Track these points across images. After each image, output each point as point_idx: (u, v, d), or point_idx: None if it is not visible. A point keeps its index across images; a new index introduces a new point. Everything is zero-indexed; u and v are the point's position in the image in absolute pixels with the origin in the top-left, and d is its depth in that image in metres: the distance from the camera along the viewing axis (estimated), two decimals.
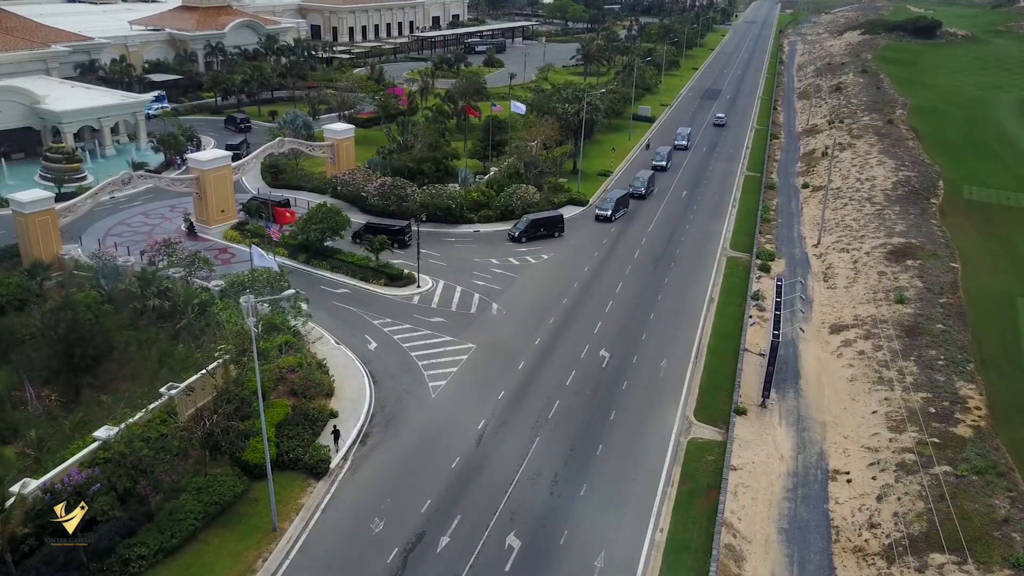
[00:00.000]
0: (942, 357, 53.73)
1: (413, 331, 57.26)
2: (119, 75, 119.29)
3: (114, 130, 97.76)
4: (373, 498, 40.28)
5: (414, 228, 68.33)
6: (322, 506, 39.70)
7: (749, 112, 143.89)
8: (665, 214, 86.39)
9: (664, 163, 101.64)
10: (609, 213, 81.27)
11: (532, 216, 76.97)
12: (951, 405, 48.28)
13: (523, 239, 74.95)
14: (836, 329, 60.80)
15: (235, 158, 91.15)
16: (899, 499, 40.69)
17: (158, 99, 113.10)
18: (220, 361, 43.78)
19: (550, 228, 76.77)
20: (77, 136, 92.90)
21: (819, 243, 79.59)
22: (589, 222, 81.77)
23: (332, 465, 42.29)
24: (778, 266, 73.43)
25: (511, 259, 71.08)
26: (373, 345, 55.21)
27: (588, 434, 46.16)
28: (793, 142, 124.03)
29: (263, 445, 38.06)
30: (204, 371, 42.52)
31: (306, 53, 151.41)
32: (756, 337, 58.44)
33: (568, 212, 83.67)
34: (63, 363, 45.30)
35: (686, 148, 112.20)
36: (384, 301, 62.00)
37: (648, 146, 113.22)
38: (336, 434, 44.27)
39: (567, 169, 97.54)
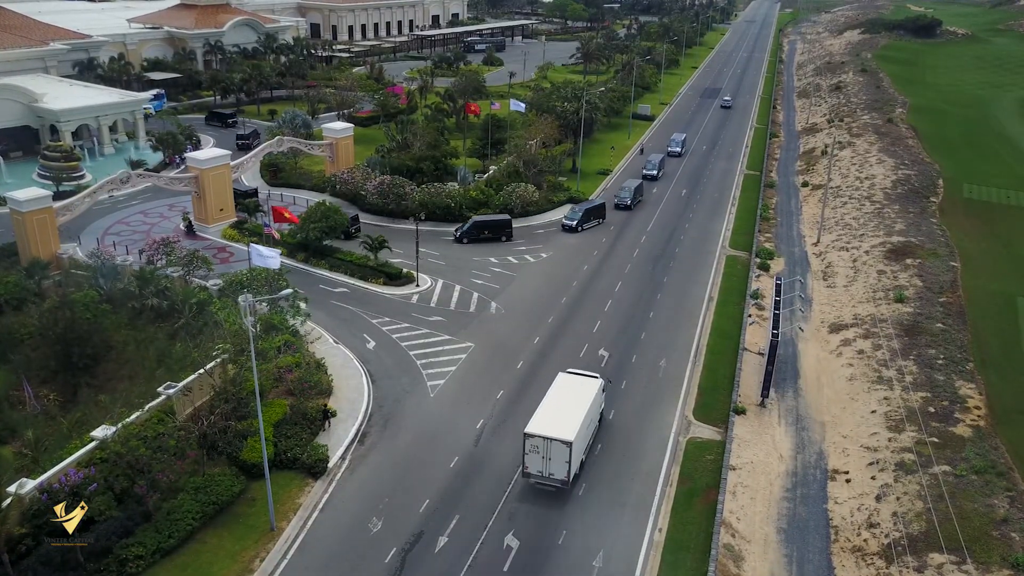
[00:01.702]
0: (942, 356, 53.64)
1: (412, 330, 57.19)
2: (118, 73, 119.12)
3: (113, 129, 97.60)
4: (371, 498, 40.22)
5: (410, 225, 68.15)
6: (320, 506, 39.64)
7: (749, 110, 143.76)
8: (665, 213, 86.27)
9: (655, 172, 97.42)
10: (574, 223, 77.82)
11: (477, 218, 75.52)
12: (950, 405, 48.20)
13: (464, 240, 73.65)
14: (835, 328, 60.70)
15: (247, 148, 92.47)
16: (898, 499, 40.62)
17: (157, 97, 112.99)
18: (218, 361, 43.72)
19: (496, 232, 74.60)
20: (75, 135, 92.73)
21: (819, 242, 79.50)
22: None
23: (330, 465, 42.27)
24: (777, 265, 73.35)
25: (510, 258, 70.99)
26: (372, 344, 55.13)
27: None
28: (793, 141, 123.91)
29: (261, 445, 37.96)
30: (202, 371, 42.45)
31: (305, 52, 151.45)
32: (755, 336, 58.35)
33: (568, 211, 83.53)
34: (61, 362, 45.22)
35: (680, 155, 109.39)
36: (383, 300, 61.93)
37: (642, 151, 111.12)
38: (325, 415, 45.10)
39: (566, 168, 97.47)
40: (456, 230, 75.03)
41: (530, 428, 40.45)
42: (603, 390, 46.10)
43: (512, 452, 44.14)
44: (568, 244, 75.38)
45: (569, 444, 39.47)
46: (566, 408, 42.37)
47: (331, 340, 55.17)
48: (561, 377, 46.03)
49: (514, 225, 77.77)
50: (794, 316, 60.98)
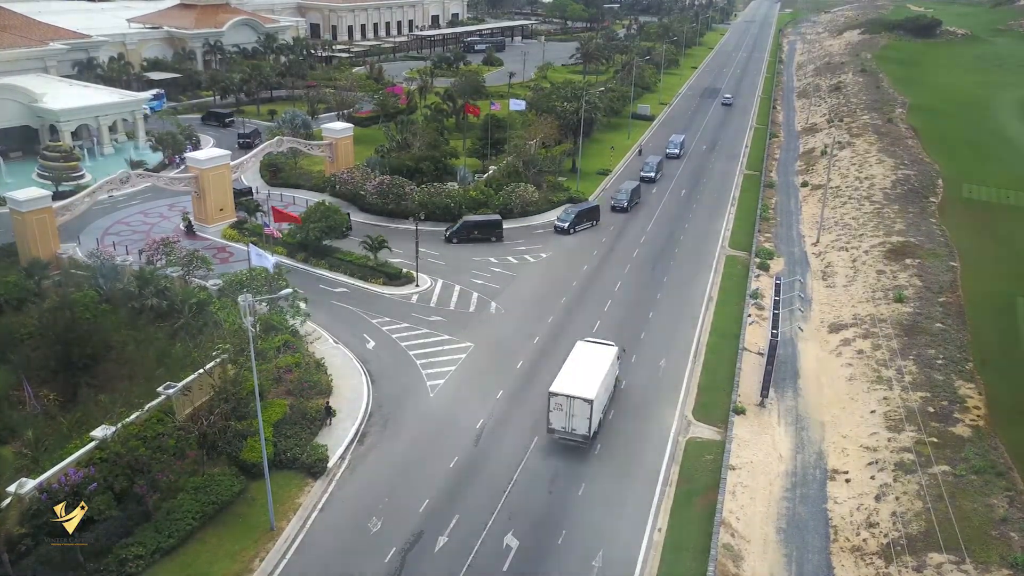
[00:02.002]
0: (941, 356, 53.66)
1: (412, 330, 57.23)
2: (117, 73, 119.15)
3: (112, 129, 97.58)
4: (371, 497, 40.25)
5: (413, 225, 68.16)
6: (320, 505, 39.68)
7: (748, 111, 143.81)
8: (664, 214, 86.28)
9: (653, 174, 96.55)
10: (566, 225, 77.46)
11: (468, 218, 75.38)
12: (950, 404, 48.22)
13: (454, 240, 73.52)
14: (835, 328, 60.72)
15: (249, 147, 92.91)
16: (897, 499, 40.65)
17: (156, 98, 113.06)
18: (218, 361, 43.74)
19: (486, 232, 74.36)
20: (75, 135, 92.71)
21: (818, 242, 79.52)
22: None
23: (330, 464, 42.31)
24: (777, 265, 73.37)
25: (510, 258, 71.03)
26: (371, 344, 55.16)
27: None
28: (792, 141, 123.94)
29: (261, 445, 38.01)
30: (201, 371, 42.46)
31: (305, 52, 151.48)
32: (755, 336, 58.38)
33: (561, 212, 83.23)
34: (61, 362, 45.17)
35: (679, 156, 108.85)
36: (383, 300, 61.96)
37: (640, 152, 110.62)
38: (328, 411, 45.38)
39: (566, 168, 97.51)
40: (446, 230, 74.93)
41: (554, 388, 43.80)
42: (618, 357, 49.72)
43: (512, 452, 44.30)
44: (568, 245, 75.42)
45: (590, 402, 42.79)
46: (586, 371, 45.86)
47: (331, 340, 55.20)
48: (580, 344, 49.68)
49: (514, 225, 77.94)
50: (794, 316, 61.01)
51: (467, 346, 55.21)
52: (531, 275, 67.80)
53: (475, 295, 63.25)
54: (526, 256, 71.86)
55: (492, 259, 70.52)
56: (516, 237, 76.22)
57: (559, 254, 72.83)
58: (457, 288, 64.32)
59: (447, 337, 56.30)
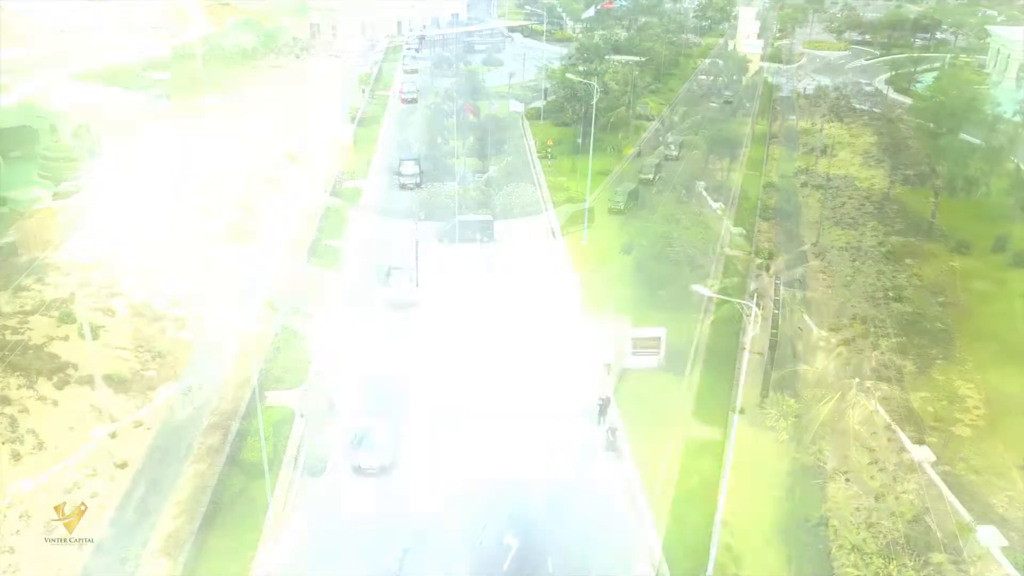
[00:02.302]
0: (941, 356, 53.71)
1: (412, 329, 57.18)
2: (118, 73, 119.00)
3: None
4: (371, 496, 40.25)
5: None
6: (320, 505, 39.67)
7: (748, 111, 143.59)
8: (662, 215, 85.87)
9: (651, 175, 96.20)
10: (557, 227, 77.76)
11: (460, 218, 75.28)
12: (950, 404, 48.26)
13: (445, 240, 73.47)
14: (835, 328, 60.73)
15: None
16: (897, 498, 40.69)
17: (157, 98, 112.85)
18: None
19: (477, 232, 74.23)
20: (75, 134, 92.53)
21: (818, 242, 79.51)
22: None
23: (330, 464, 42.36)
24: (777, 264, 73.34)
25: (509, 258, 71.04)
26: (372, 341, 55.12)
27: (587, 433, 46.06)
28: (793, 141, 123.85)
29: (261, 444, 38.03)
30: None
31: (305, 52, 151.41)
32: (755, 336, 58.30)
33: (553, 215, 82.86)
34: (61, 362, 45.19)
35: (677, 158, 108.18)
36: (382, 299, 61.92)
37: (639, 153, 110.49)
38: (330, 406, 45.48)
39: (566, 168, 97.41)
40: (438, 230, 74.85)
41: (633, 334, 51.28)
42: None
43: (513, 449, 44.14)
44: (567, 245, 75.41)
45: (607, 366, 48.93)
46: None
47: (331, 339, 55.18)
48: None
49: (514, 225, 77.87)
50: (793, 316, 61.00)
51: (468, 344, 55.19)
52: (531, 275, 67.80)
53: (474, 295, 63.26)
54: (526, 256, 71.86)
55: (491, 259, 70.57)
56: (516, 237, 76.17)
57: (558, 254, 72.86)
58: (456, 288, 64.33)
59: (447, 336, 56.26)
